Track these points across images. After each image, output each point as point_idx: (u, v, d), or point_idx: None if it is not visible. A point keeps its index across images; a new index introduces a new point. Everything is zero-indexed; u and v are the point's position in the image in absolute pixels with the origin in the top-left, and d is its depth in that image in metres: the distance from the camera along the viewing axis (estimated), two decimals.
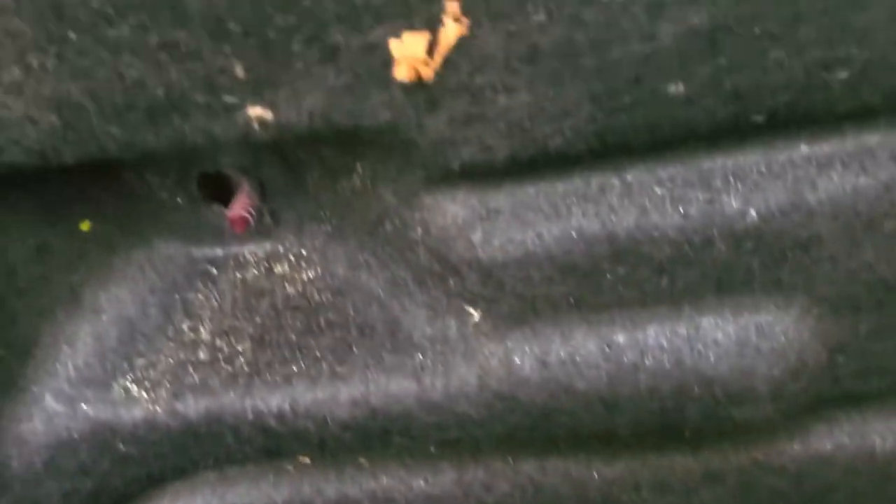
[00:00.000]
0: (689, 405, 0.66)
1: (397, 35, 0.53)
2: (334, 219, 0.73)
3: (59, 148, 0.56)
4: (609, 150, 0.60)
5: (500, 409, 0.67)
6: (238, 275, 0.75)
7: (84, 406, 0.70)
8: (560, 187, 0.63)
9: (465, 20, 0.52)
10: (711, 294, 0.65)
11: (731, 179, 0.62)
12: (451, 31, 0.52)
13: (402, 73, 0.54)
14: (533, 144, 0.59)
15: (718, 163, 0.62)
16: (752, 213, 0.62)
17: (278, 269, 0.75)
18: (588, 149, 0.60)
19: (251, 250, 0.76)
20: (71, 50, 0.52)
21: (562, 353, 0.66)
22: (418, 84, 0.55)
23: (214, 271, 0.76)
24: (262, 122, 0.56)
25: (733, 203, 0.62)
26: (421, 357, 0.69)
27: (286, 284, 0.74)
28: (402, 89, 0.55)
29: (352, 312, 0.72)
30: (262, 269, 0.75)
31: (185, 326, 0.73)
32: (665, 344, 0.65)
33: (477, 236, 0.64)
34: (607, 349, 0.66)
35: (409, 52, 0.53)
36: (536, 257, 0.63)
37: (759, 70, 0.56)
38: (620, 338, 0.66)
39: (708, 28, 0.54)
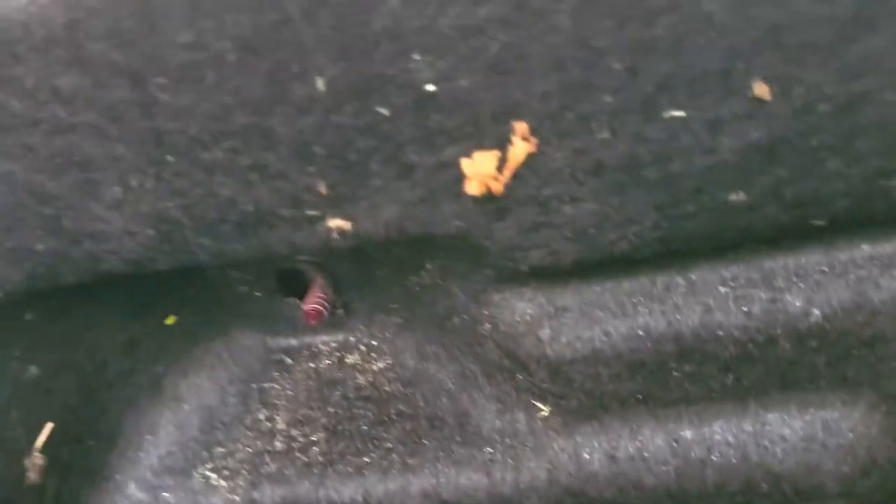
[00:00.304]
0: (757, 502, 0.66)
1: (468, 154, 0.56)
2: (404, 311, 0.75)
3: (154, 258, 0.60)
4: (674, 253, 0.62)
5: None
6: (311, 365, 0.78)
7: (166, 495, 0.73)
8: (626, 286, 0.65)
9: (533, 139, 0.55)
10: (777, 390, 0.66)
11: (794, 279, 0.64)
12: (520, 149, 0.55)
13: (473, 188, 0.56)
14: (599, 250, 0.61)
15: (780, 262, 0.64)
16: (816, 312, 0.63)
17: (350, 359, 0.78)
18: (653, 253, 0.62)
19: (324, 341, 0.79)
20: (168, 172, 0.55)
21: (630, 449, 0.68)
22: (489, 196, 0.58)
23: (289, 361, 0.79)
24: (342, 232, 0.59)
25: (796, 302, 0.63)
26: (490, 450, 0.71)
27: (357, 374, 0.77)
28: (472, 201, 0.58)
29: (422, 403, 0.74)
30: (335, 359, 0.78)
31: (261, 415, 0.76)
32: (731, 440, 0.66)
33: (545, 333, 0.66)
34: (675, 444, 0.67)
35: (479, 170, 0.56)
36: (604, 355, 0.65)
37: (818, 179, 0.58)
38: (688, 433, 0.67)
39: (766, 142, 0.56)
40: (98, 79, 0.52)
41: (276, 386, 0.78)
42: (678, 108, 0.54)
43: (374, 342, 0.78)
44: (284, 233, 0.59)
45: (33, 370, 0.65)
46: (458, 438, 0.72)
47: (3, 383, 0.63)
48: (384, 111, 0.54)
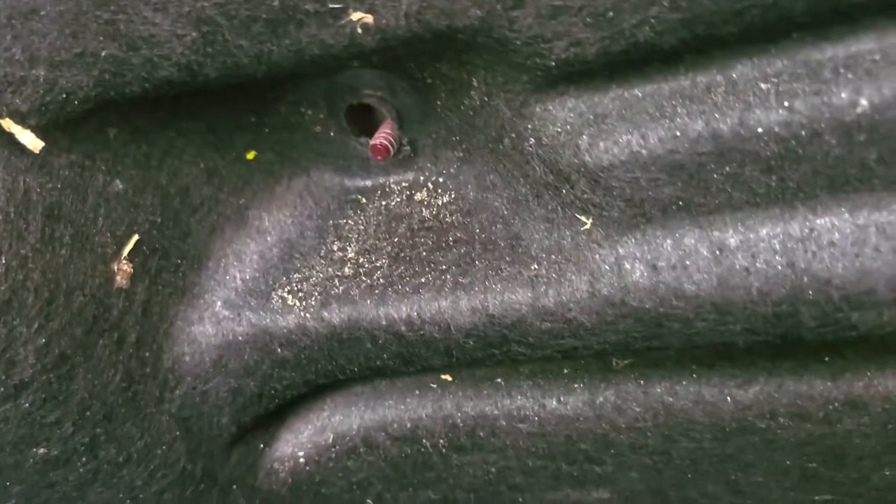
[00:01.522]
0: (804, 310, 0.63)
1: None
2: (464, 142, 0.77)
3: (201, 62, 0.65)
4: (703, 41, 0.60)
5: (611, 316, 0.68)
6: (383, 202, 0.82)
7: (248, 313, 0.79)
8: (666, 88, 0.64)
9: None
10: (826, 191, 0.62)
11: (842, 70, 0.60)
12: None
13: None
14: (621, 37, 0.60)
15: (829, 53, 0.60)
16: (864, 102, 0.59)
17: (418, 196, 0.81)
18: (680, 40, 0.60)
19: (395, 180, 0.82)
20: None
21: (672, 258, 0.66)
22: None
23: (363, 200, 0.83)
24: (366, 28, 0.62)
25: (843, 94, 0.59)
26: (536, 267, 0.71)
27: (423, 209, 0.80)
28: None
29: (478, 230, 0.76)
30: (405, 196, 0.81)
31: (335, 247, 0.81)
32: (777, 246, 0.63)
33: (583, 141, 0.66)
34: (718, 252, 0.65)
35: None
36: (641, 158, 0.64)
37: None
38: (732, 240, 0.65)
39: None
40: None
41: (350, 222, 0.82)
42: None
43: (440, 178, 0.80)
44: (313, 30, 0.62)
45: (118, 184, 0.73)
46: (507, 259, 0.73)
47: (91, 193, 0.71)
48: None
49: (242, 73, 0.66)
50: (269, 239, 0.82)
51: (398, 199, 0.82)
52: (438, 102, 0.75)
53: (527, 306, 0.71)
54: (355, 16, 0.61)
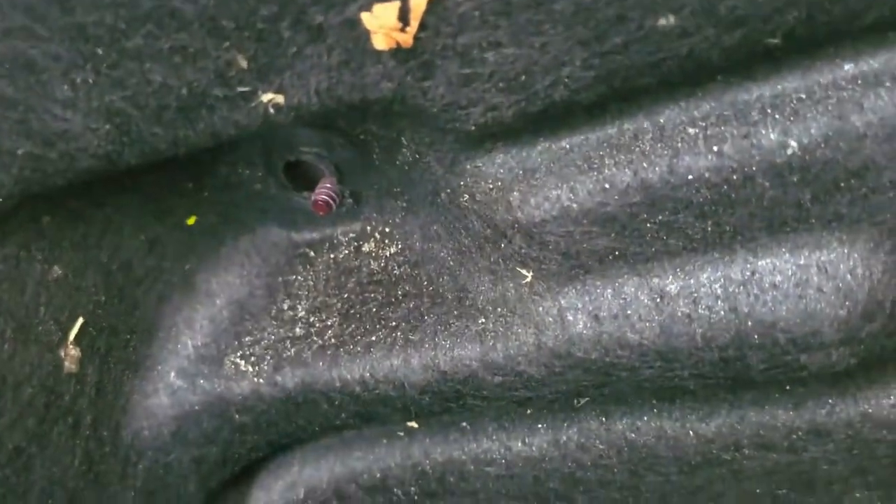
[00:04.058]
0: (751, 354, 0.62)
1: (369, 8, 0.55)
2: (406, 193, 0.76)
3: (119, 151, 0.64)
4: (624, 92, 0.58)
5: (559, 367, 0.67)
6: (332, 255, 0.81)
7: (202, 381, 0.78)
8: (593, 138, 0.62)
9: None
10: (764, 234, 0.61)
11: (769, 110, 0.58)
12: None
13: (379, 42, 0.56)
14: (537, 98, 0.58)
15: (754, 94, 0.58)
16: (793, 143, 0.57)
17: (365, 247, 0.80)
18: (598, 95, 0.58)
19: (342, 231, 0.81)
20: (103, 65, 0.59)
21: (613, 308, 0.65)
22: (409, 53, 0.57)
23: (312, 253, 0.82)
24: (277, 106, 0.60)
25: (771, 135, 0.58)
26: (484, 321, 0.70)
27: (371, 261, 0.79)
28: (394, 59, 0.57)
29: (426, 283, 0.75)
30: (352, 248, 0.80)
31: (285, 306, 0.80)
32: (719, 291, 0.62)
33: (514, 198, 0.64)
34: (659, 300, 0.64)
35: (381, 23, 0.55)
36: (572, 213, 0.63)
37: None
38: (672, 287, 0.63)
39: None
40: None
41: (299, 277, 0.81)
42: None
43: (386, 229, 0.79)
44: (224, 113, 0.61)
45: (57, 270, 0.72)
46: (455, 312, 0.72)
47: (29, 283, 0.70)
48: None
49: (163, 156, 0.65)
50: (218, 302, 0.81)
51: (346, 251, 0.81)
52: (375, 156, 0.74)
53: (477, 361, 0.70)
54: (265, 97, 0.60)
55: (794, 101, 0.58)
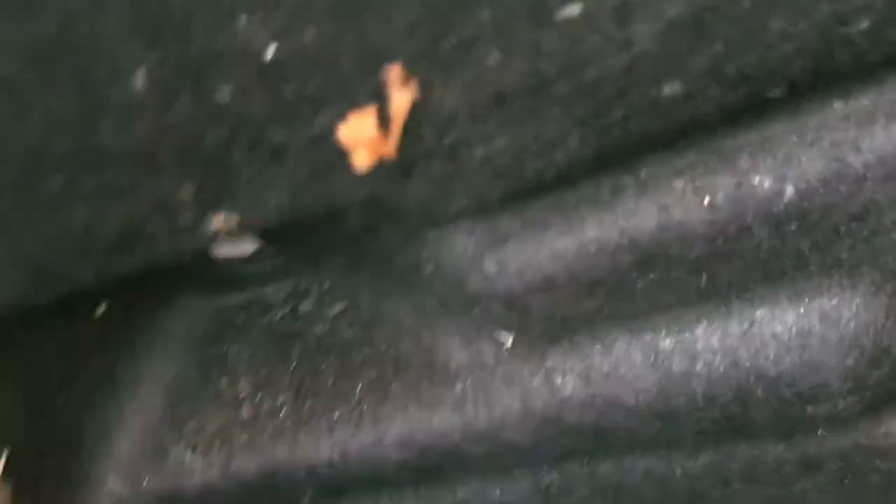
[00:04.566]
0: (754, 409, 0.59)
1: (343, 119, 0.47)
2: (348, 248, 0.68)
3: (39, 292, 0.54)
4: (615, 160, 0.53)
5: (549, 433, 0.63)
6: (266, 319, 0.73)
7: (146, 483, 0.70)
8: (570, 197, 0.57)
9: (413, 83, 0.45)
10: (761, 284, 0.57)
11: (760, 155, 0.54)
12: (402, 98, 0.46)
13: (361, 160, 0.48)
14: (526, 181, 0.52)
15: (742, 140, 0.54)
16: (790, 189, 0.53)
17: (304, 306, 0.72)
18: (590, 168, 0.53)
19: (273, 291, 0.73)
20: (16, 208, 0.49)
21: (605, 367, 0.61)
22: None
23: (242, 319, 0.73)
24: (230, 228, 0.52)
25: (765, 182, 0.54)
26: (461, 386, 0.65)
27: (314, 324, 0.71)
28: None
29: (384, 346, 0.68)
30: (288, 309, 0.72)
31: (223, 383, 0.72)
32: (716, 345, 0.58)
33: (490, 267, 0.58)
34: (653, 358, 0.60)
35: (360, 136, 0.47)
36: (557, 278, 0.58)
37: (762, 46, 0.47)
38: (666, 343, 0.59)
39: (690, 16, 0.45)
40: None
41: (232, 349, 0.73)
42: (572, 2, 0.44)
43: (325, 285, 0.71)
44: (166, 243, 0.52)
45: None
46: (426, 379, 0.66)
47: None
48: (224, 93, 0.45)
49: (87, 289, 0.56)
50: (146, 390, 0.72)
51: (282, 313, 0.72)
52: (313, 226, 0.66)
53: (458, 432, 0.64)
54: (216, 221, 0.51)
55: (786, 145, 0.53)
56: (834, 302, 0.56)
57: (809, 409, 0.58)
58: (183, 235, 0.52)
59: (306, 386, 0.69)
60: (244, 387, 0.71)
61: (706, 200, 0.54)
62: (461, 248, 0.59)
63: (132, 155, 0.47)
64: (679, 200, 0.55)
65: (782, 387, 0.57)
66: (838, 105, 0.52)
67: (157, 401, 0.71)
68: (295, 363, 0.70)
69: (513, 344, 0.62)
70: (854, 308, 0.56)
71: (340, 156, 0.48)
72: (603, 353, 0.61)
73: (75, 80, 0.44)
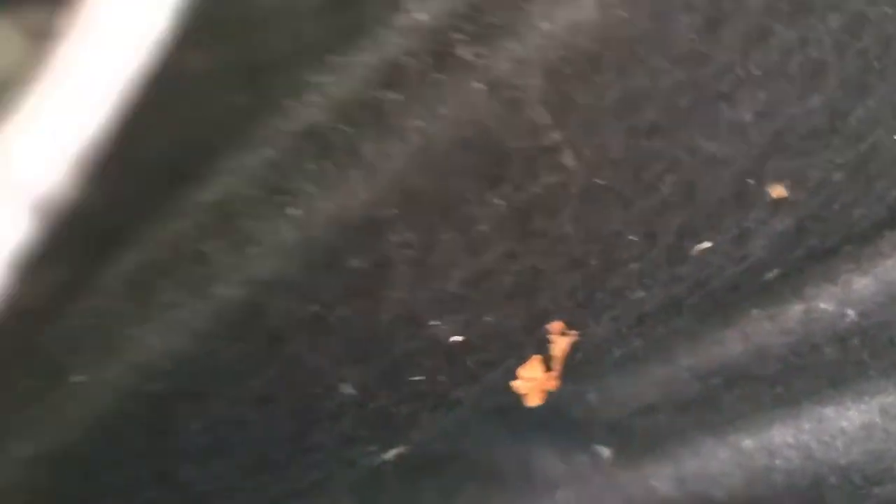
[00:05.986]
0: (829, 494, 0.68)
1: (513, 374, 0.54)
2: None
3: None
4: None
5: None
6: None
7: None
8: (661, 331, 0.65)
9: (571, 331, 0.53)
10: (827, 388, 0.66)
11: (823, 285, 0.63)
12: (562, 343, 0.53)
13: (533, 400, 0.55)
14: None
15: (807, 273, 0.63)
16: (850, 312, 0.62)
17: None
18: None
19: None
20: None
21: (694, 467, 0.69)
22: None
23: None
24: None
25: (829, 308, 0.63)
26: (563, 493, 0.72)
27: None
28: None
29: (474, 457, 0.75)
30: None
31: None
32: (791, 441, 0.67)
33: (593, 399, 0.66)
34: (737, 456, 0.68)
35: (532, 381, 0.54)
36: (656, 405, 0.66)
37: (846, 227, 0.56)
38: (748, 443, 0.68)
39: (795, 226, 0.54)
40: None
41: None
42: (703, 240, 0.52)
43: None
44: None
45: None
46: (526, 489, 0.73)
47: None
48: (419, 379, 0.51)
49: None
50: None
51: None
52: None
53: None
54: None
55: (844, 273, 0.63)
56: (890, 399, 0.66)
57: (876, 489, 0.68)
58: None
59: None
60: None
61: (781, 326, 0.63)
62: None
63: (339, 439, 0.53)
64: (757, 328, 0.64)
65: (853, 473, 0.67)
66: (887, 233, 0.61)
67: None
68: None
69: (611, 455, 0.70)
70: None
71: (515, 401, 0.55)
72: (692, 455, 0.69)
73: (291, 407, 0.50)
